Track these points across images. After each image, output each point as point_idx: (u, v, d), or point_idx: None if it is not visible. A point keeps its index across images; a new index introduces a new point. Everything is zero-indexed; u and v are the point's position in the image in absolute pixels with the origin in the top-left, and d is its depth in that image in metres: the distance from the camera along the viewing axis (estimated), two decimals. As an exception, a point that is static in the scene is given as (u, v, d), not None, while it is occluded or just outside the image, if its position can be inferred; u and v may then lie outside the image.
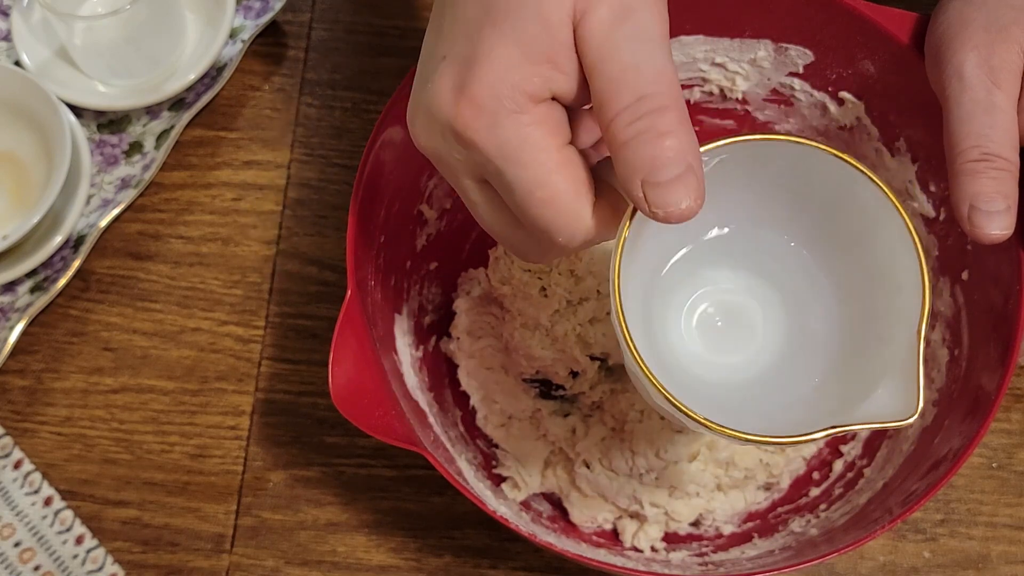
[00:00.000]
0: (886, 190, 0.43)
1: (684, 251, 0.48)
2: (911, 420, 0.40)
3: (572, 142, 0.41)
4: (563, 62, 0.39)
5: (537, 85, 0.39)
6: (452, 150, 0.40)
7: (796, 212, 0.47)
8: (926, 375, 0.57)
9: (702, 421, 0.40)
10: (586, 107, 0.41)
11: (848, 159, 0.43)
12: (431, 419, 0.57)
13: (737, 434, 0.40)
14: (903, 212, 0.42)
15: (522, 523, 0.54)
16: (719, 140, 0.42)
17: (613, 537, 0.60)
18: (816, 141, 0.43)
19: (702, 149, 0.40)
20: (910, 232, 0.42)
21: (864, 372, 0.44)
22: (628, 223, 0.40)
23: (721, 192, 0.43)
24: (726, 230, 0.48)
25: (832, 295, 0.47)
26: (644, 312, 0.46)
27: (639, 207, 0.38)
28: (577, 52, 0.39)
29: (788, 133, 0.46)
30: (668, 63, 0.39)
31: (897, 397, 0.41)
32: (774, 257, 0.48)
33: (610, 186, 0.41)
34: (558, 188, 0.39)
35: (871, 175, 0.43)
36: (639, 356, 0.41)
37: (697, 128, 0.64)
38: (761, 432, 0.40)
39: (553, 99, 0.40)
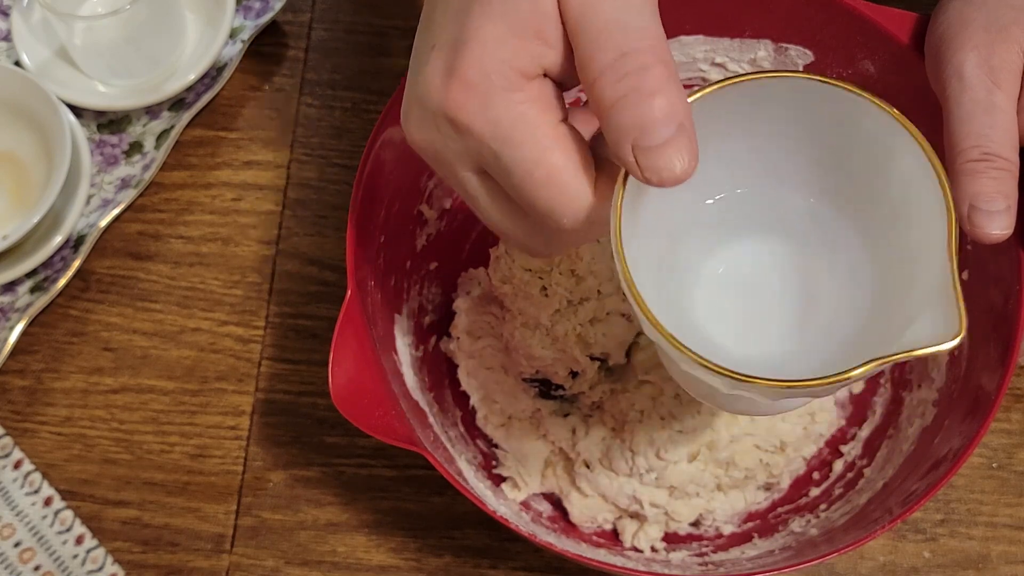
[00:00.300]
0: (895, 114, 0.40)
1: (697, 216, 0.45)
2: (957, 341, 0.37)
3: (567, 120, 0.39)
4: (550, 35, 0.38)
5: (527, 61, 0.38)
6: (447, 139, 0.39)
7: (804, 160, 0.44)
8: (926, 377, 0.57)
9: (730, 373, 0.38)
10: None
11: (851, 88, 0.40)
12: (431, 419, 0.57)
13: (769, 382, 0.38)
14: (917, 134, 0.40)
15: (522, 523, 0.54)
16: (707, 87, 0.40)
17: (613, 537, 0.60)
18: (813, 74, 0.40)
19: (692, 99, 0.38)
20: (927, 154, 0.40)
21: (902, 308, 0.41)
22: (623, 188, 0.38)
23: (724, 148, 0.41)
24: (738, 191, 0.45)
25: (856, 239, 0.45)
26: (660, 286, 0.44)
27: (632, 173, 0.37)
28: (561, 19, 0.38)
29: (781, 70, 0.43)
30: (653, 21, 0.37)
31: (938, 323, 0.38)
32: (790, 211, 0.45)
33: (609, 160, 0.39)
34: (556, 165, 0.38)
35: (878, 101, 0.40)
36: (652, 316, 0.38)
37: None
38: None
39: (545, 76, 0.39)
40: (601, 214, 0.39)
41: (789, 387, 0.38)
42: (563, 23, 0.38)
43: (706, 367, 0.38)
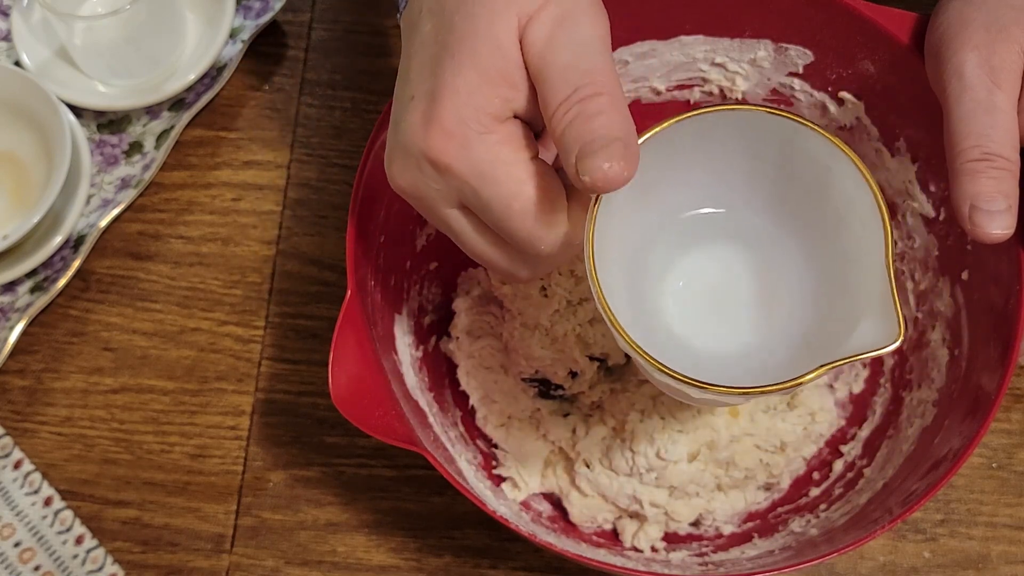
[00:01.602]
0: (828, 136, 0.45)
1: (663, 232, 0.50)
2: (896, 344, 0.41)
3: (537, 157, 0.43)
4: (517, 80, 0.42)
5: (498, 106, 0.42)
6: (429, 180, 0.43)
7: (757, 181, 0.48)
8: (926, 377, 0.57)
9: (694, 382, 0.42)
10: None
11: (792, 116, 0.44)
12: (431, 419, 0.57)
13: (730, 390, 0.42)
14: (848, 151, 0.44)
15: (522, 523, 0.54)
16: (665, 121, 0.44)
17: (613, 537, 0.60)
18: (759, 104, 0.46)
19: (654, 131, 0.44)
20: (860, 169, 0.44)
21: (846, 313, 0.46)
22: (593, 220, 0.43)
23: (685, 174, 0.46)
24: (700, 210, 0.50)
25: (803, 250, 0.49)
26: (630, 294, 0.48)
27: (575, 183, 0.40)
28: (525, 67, 0.42)
29: (733, 101, 0.48)
30: (602, 60, 0.41)
31: (879, 327, 0.42)
32: (747, 226, 0.50)
33: (575, 188, 0.43)
34: (532, 198, 0.42)
35: (811, 124, 0.45)
36: (624, 332, 0.43)
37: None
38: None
39: (515, 117, 0.43)
40: (575, 237, 0.43)
41: (746, 393, 0.42)
42: (526, 69, 0.42)
43: (676, 378, 0.42)
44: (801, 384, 0.42)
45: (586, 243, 0.43)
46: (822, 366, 0.42)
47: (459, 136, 0.41)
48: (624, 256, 0.48)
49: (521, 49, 0.42)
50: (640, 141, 0.42)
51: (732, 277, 0.50)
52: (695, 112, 0.44)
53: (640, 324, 0.45)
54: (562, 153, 0.41)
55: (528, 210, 0.42)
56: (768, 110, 0.45)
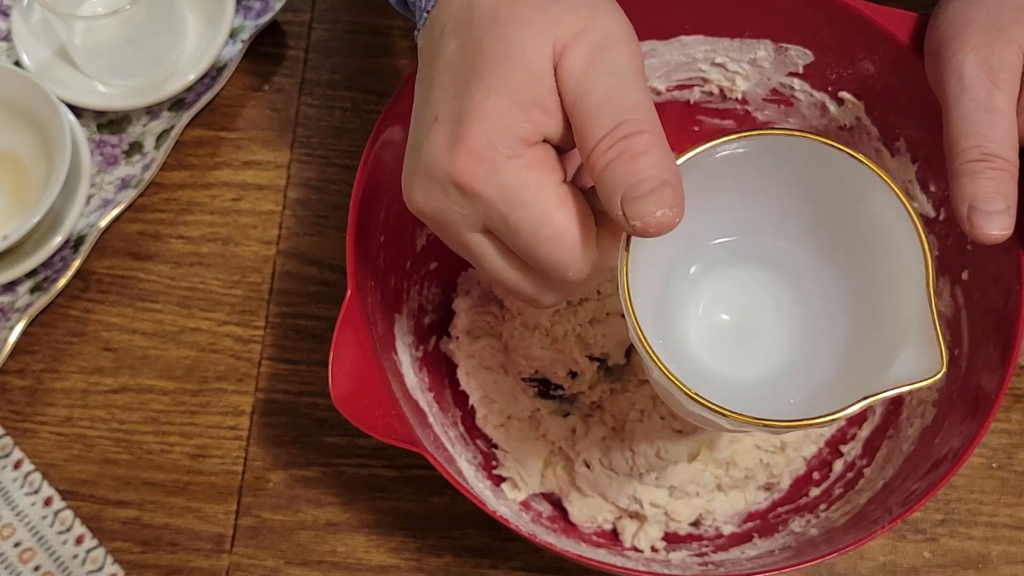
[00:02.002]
0: (865, 161, 0.43)
1: (690, 260, 0.50)
2: (940, 376, 0.41)
3: (567, 181, 0.42)
4: (550, 106, 0.41)
5: (529, 130, 0.40)
6: (453, 204, 0.42)
7: (787, 207, 0.47)
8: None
9: (739, 417, 0.41)
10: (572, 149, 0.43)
11: (822, 139, 0.43)
12: (431, 419, 0.57)
13: (769, 423, 0.41)
14: (886, 177, 0.43)
15: (522, 523, 0.54)
16: (695, 148, 0.43)
17: (613, 537, 0.60)
18: (789, 128, 0.44)
19: (680, 160, 0.42)
20: (898, 196, 0.43)
21: (883, 344, 0.44)
22: (627, 250, 0.42)
23: (714, 200, 0.45)
24: (729, 238, 0.50)
25: (831, 278, 0.48)
26: (657, 322, 0.48)
27: (621, 225, 0.40)
28: (559, 93, 0.41)
29: (761, 127, 0.47)
30: (642, 94, 0.40)
31: (920, 358, 0.41)
32: (775, 252, 0.49)
33: (605, 213, 0.42)
34: (562, 224, 0.41)
35: (848, 150, 0.43)
36: (660, 361, 0.42)
37: (697, 128, 0.65)
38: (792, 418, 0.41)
39: (545, 141, 0.42)
40: (602, 263, 0.43)
41: (787, 427, 0.41)
42: (560, 96, 0.41)
43: (713, 410, 0.41)
44: (843, 416, 0.41)
45: (620, 275, 0.42)
46: (865, 398, 0.41)
47: (487, 160, 0.40)
48: (650, 283, 0.47)
49: (555, 76, 0.41)
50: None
51: (759, 305, 0.50)
52: (727, 138, 0.43)
53: (666, 351, 0.45)
54: (602, 190, 0.40)
55: (557, 236, 0.41)
56: (800, 134, 0.44)
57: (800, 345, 0.49)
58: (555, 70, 0.41)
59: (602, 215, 0.42)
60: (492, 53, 0.41)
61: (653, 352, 0.42)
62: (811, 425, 0.41)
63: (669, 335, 0.49)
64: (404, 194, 0.44)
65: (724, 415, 0.41)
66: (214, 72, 0.68)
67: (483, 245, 0.43)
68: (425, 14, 0.44)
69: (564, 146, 0.42)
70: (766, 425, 0.41)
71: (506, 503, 0.58)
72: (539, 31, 0.40)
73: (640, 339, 0.42)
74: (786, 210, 0.48)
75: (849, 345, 0.47)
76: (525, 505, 0.59)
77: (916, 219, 0.43)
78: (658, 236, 0.39)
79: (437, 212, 0.43)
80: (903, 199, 0.43)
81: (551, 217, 0.41)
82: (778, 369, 0.49)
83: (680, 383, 0.42)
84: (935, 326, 0.41)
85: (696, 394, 0.41)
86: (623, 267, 0.42)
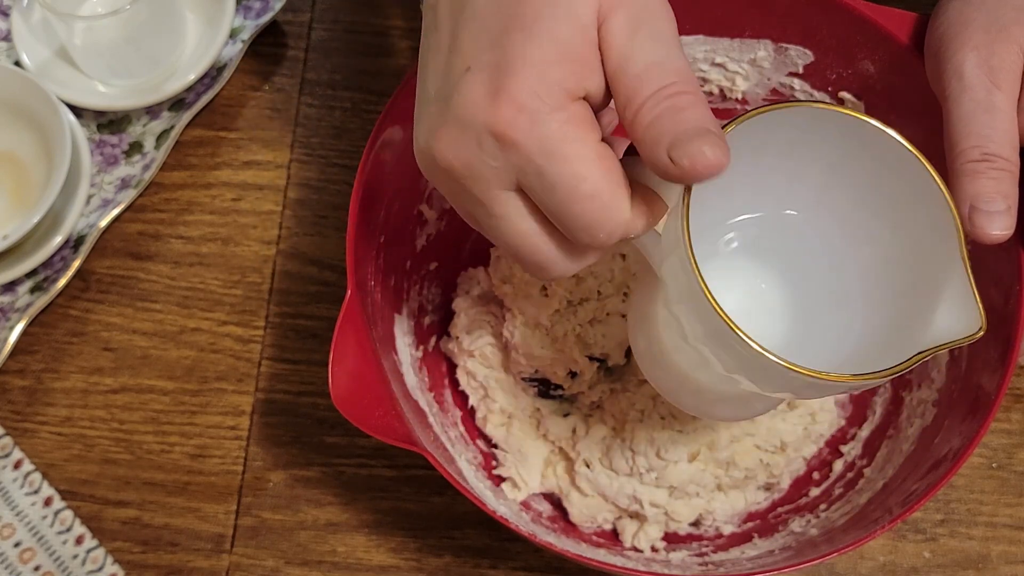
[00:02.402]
0: (884, 128, 0.43)
1: (721, 232, 0.49)
2: (980, 332, 0.41)
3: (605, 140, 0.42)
4: (594, 61, 0.40)
5: (573, 83, 0.40)
6: (488, 157, 0.40)
7: (803, 181, 0.47)
8: (926, 377, 0.57)
9: (807, 372, 0.40)
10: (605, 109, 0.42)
11: (850, 112, 0.43)
12: (431, 419, 0.57)
13: (840, 377, 0.40)
14: (905, 142, 0.43)
15: (522, 523, 0.54)
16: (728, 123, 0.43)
17: (613, 537, 0.60)
18: (817, 100, 0.44)
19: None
20: (919, 158, 0.43)
21: (918, 308, 0.44)
22: (688, 196, 0.41)
23: (737, 179, 0.44)
24: (758, 213, 0.49)
25: (853, 253, 0.48)
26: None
27: (666, 172, 0.39)
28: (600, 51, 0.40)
29: (772, 102, 0.46)
30: (685, 61, 0.40)
31: (958, 317, 0.42)
32: (791, 233, 0.49)
33: (638, 182, 0.42)
34: (601, 181, 0.40)
35: (877, 123, 0.43)
36: (741, 331, 0.41)
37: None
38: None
39: (584, 98, 0.41)
40: (631, 229, 0.42)
41: (856, 380, 0.41)
42: (602, 59, 0.40)
43: (787, 367, 0.41)
44: (899, 372, 0.41)
45: (683, 234, 0.41)
46: (919, 353, 0.41)
47: (531, 110, 0.39)
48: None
49: (599, 36, 0.40)
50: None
51: (791, 275, 0.50)
52: (753, 112, 0.43)
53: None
54: (647, 146, 0.39)
55: (595, 193, 0.40)
56: (829, 106, 0.43)
57: (833, 311, 0.48)
58: (599, 31, 0.40)
59: (635, 184, 0.42)
60: (538, 3, 0.40)
61: (729, 319, 0.41)
62: (875, 378, 0.41)
63: None
64: (422, 149, 0.42)
65: (797, 371, 0.40)
66: (214, 72, 0.68)
67: (510, 204, 0.42)
68: None
69: (599, 106, 0.42)
70: (838, 379, 0.41)
71: (506, 503, 0.58)
72: None
73: (715, 306, 0.41)
74: (808, 185, 0.47)
75: (886, 311, 0.47)
76: (525, 505, 0.59)
77: (941, 182, 0.43)
78: (704, 179, 0.39)
79: (466, 166, 0.41)
80: (924, 160, 0.43)
81: (591, 173, 0.40)
82: (808, 334, 0.49)
83: (767, 350, 0.41)
84: (970, 283, 0.41)
85: (785, 360, 0.40)
86: (684, 226, 0.41)
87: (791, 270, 0.50)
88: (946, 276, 0.42)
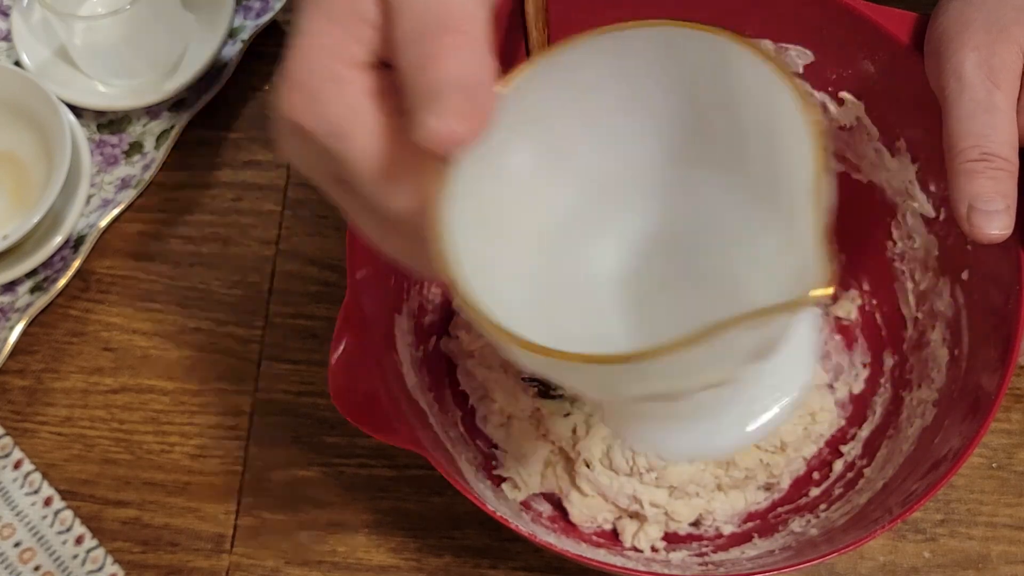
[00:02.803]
0: (733, 39, 0.37)
1: (575, 204, 0.42)
2: (822, 293, 0.32)
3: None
4: (370, 15, 0.35)
5: (354, 48, 0.35)
6: (300, 149, 0.37)
7: (668, 123, 0.40)
8: (926, 377, 0.57)
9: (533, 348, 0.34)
10: None
11: (706, 28, 0.37)
12: (431, 419, 0.57)
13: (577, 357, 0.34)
14: (760, 53, 0.36)
15: (522, 523, 0.54)
16: (542, 54, 0.37)
17: (613, 537, 0.60)
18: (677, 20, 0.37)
19: (530, 68, 0.36)
20: (774, 70, 0.36)
21: (780, 262, 0.38)
22: (447, 170, 0.35)
23: (590, 122, 0.39)
24: (618, 171, 0.42)
25: (726, 197, 0.41)
26: (538, 294, 0.41)
27: (421, 140, 0.34)
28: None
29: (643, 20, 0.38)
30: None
31: (806, 273, 0.34)
32: (663, 182, 0.42)
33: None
34: (389, 158, 0.35)
35: (708, 29, 0.37)
36: (483, 313, 0.35)
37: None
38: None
39: (380, 65, 0.36)
40: (419, 206, 0.36)
41: (623, 360, 0.33)
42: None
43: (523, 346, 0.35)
44: (714, 336, 0.32)
45: (432, 214, 0.35)
46: (741, 317, 0.32)
47: (308, 88, 0.35)
48: (531, 238, 0.40)
49: None
50: (519, 78, 0.35)
51: (653, 255, 0.43)
52: (594, 33, 0.36)
53: (556, 321, 0.38)
54: (407, 100, 0.34)
55: (385, 172, 0.35)
56: (685, 25, 0.37)
57: (704, 292, 0.42)
58: None
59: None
60: None
61: (475, 305, 0.35)
62: (662, 352, 0.33)
63: (560, 302, 0.42)
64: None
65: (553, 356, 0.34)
66: (214, 72, 0.68)
67: (344, 197, 0.37)
68: None
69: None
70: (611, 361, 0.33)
71: (506, 503, 0.58)
72: None
73: (464, 296, 0.35)
74: (672, 128, 0.40)
75: (756, 274, 0.40)
76: (525, 505, 0.59)
77: (796, 91, 0.35)
78: (443, 152, 0.33)
79: (299, 162, 0.37)
80: (787, 80, 0.35)
81: (376, 150, 0.35)
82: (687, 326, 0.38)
83: (512, 333, 0.35)
84: (815, 229, 0.33)
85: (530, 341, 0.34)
86: (438, 203, 0.35)
87: (681, 226, 0.43)
88: (795, 221, 0.35)
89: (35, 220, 0.61)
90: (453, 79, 0.33)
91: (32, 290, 0.64)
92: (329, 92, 0.35)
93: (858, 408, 0.62)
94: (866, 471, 0.58)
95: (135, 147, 0.68)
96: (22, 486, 0.61)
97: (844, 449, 0.60)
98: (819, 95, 0.58)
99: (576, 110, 0.36)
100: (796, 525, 0.57)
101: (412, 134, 0.33)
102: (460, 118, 0.33)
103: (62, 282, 0.64)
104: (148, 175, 0.66)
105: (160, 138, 0.67)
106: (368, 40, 0.35)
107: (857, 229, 0.62)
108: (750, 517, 0.60)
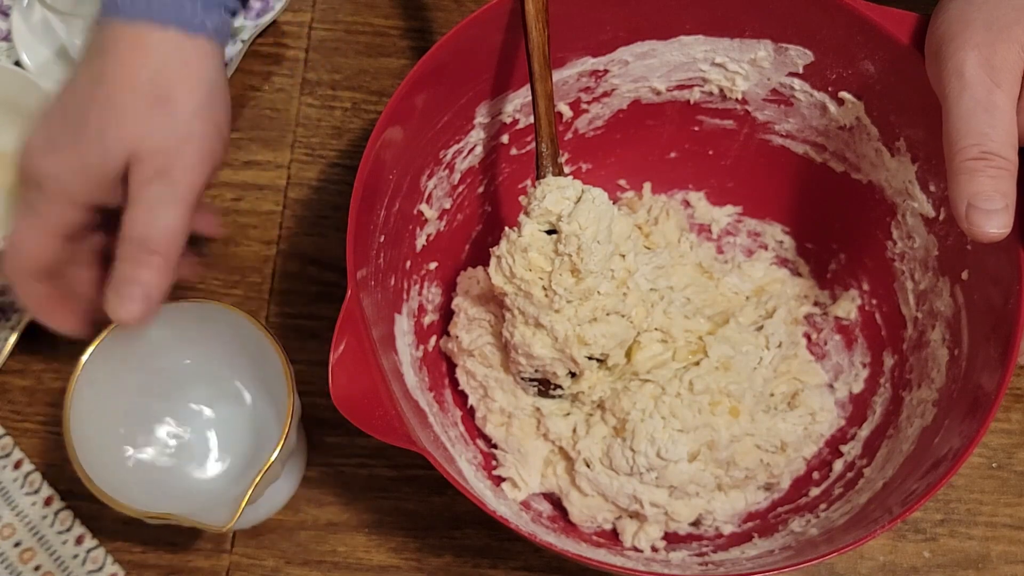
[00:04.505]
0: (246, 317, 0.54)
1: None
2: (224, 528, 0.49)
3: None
4: (110, 186, 0.50)
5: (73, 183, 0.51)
6: None
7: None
8: (926, 377, 0.57)
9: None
10: None
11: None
12: (431, 419, 0.57)
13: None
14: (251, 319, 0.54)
15: (522, 523, 0.54)
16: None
17: (613, 537, 0.60)
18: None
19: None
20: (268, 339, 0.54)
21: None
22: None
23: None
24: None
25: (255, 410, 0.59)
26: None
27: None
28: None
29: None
30: (179, 222, 0.49)
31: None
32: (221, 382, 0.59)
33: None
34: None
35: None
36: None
37: (697, 128, 0.65)
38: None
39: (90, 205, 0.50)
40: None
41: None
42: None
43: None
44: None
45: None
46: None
47: (27, 171, 0.53)
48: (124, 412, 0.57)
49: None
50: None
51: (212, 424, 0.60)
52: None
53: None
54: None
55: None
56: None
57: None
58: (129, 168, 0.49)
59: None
60: (93, 116, 0.52)
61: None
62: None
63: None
64: None
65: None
66: (214, 72, 0.68)
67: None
68: None
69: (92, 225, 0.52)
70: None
71: (506, 503, 0.58)
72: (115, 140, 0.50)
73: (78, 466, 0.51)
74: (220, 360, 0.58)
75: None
76: (525, 505, 0.59)
77: (285, 365, 0.53)
78: (129, 329, 0.52)
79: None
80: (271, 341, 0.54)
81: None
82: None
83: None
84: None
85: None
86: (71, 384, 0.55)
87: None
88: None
89: (35, 220, 0.61)
90: (140, 282, 0.50)
91: (32, 290, 0.64)
92: (31, 188, 0.52)
93: (858, 408, 0.62)
94: (866, 471, 0.58)
95: (135, 147, 0.68)
96: (22, 486, 0.61)
97: (844, 449, 0.60)
98: (819, 95, 0.59)
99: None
100: (796, 525, 0.57)
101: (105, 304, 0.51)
102: (142, 305, 0.50)
103: (62, 282, 0.64)
104: (148, 175, 0.66)
105: (160, 138, 0.67)
106: (86, 195, 0.51)
107: (857, 229, 0.62)
108: (750, 517, 0.60)
